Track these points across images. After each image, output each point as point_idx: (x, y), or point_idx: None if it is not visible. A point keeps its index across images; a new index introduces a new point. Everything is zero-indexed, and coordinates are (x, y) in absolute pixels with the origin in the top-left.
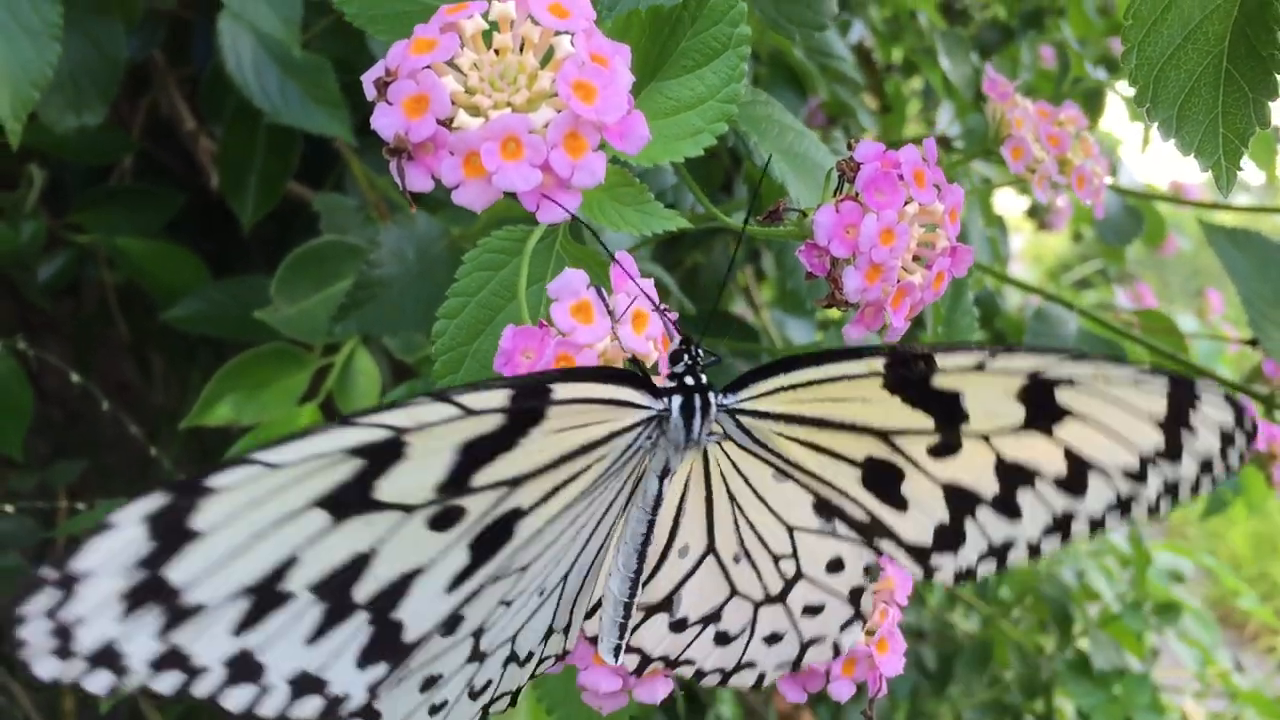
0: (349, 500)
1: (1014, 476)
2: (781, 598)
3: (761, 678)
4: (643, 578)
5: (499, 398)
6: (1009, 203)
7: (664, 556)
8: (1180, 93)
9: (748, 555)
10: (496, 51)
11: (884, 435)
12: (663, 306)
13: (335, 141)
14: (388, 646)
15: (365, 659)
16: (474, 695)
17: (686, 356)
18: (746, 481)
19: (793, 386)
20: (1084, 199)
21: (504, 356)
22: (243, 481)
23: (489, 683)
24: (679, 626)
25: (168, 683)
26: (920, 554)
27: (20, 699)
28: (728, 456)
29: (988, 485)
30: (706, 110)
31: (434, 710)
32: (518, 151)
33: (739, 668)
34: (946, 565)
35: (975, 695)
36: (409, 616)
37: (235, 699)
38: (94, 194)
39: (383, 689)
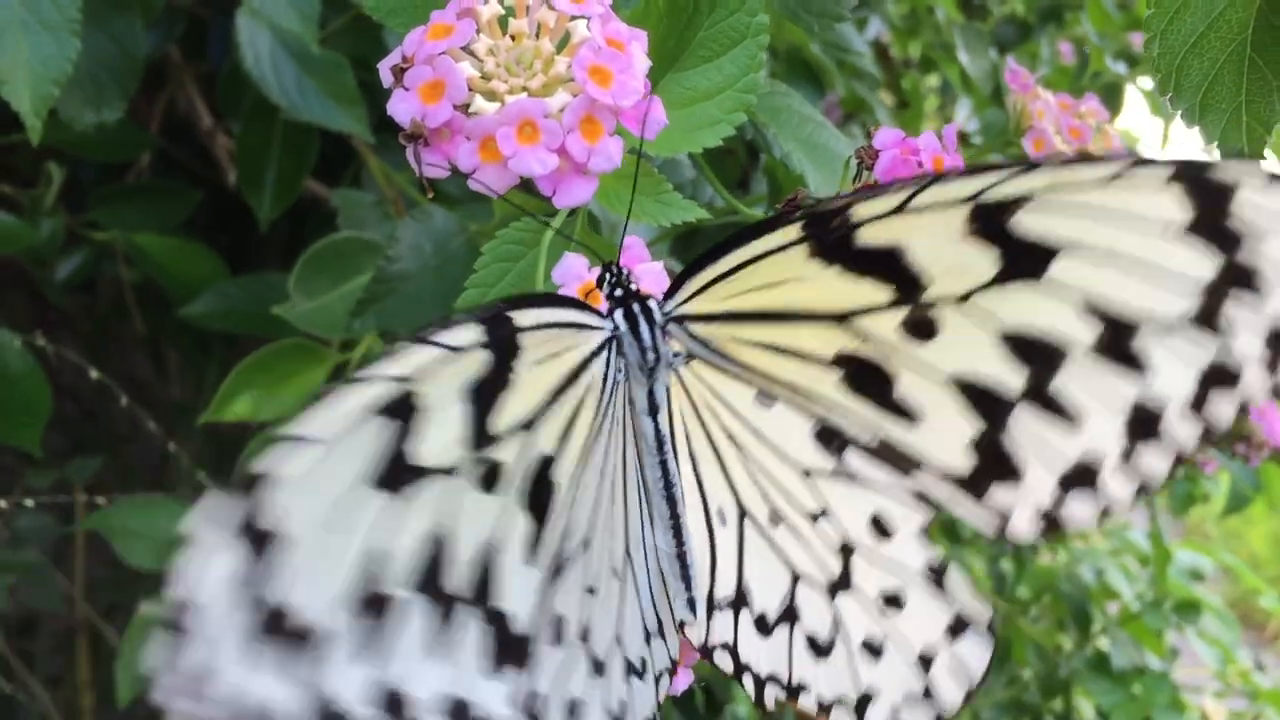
0: (394, 471)
1: (1033, 353)
2: (847, 581)
3: (894, 713)
4: (694, 536)
5: (472, 331)
6: None
7: (711, 531)
8: (1204, 81)
9: (782, 515)
10: (513, 37)
11: (841, 319)
12: None
13: (352, 139)
14: (504, 644)
15: (492, 665)
16: None
17: (608, 274)
18: (734, 412)
19: (724, 276)
20: None
21: None
22: (296, 463)
23: (623, 704)
24: (763, 626)
25: None
26: (972, 487)
27: (39, 695)
28: (702, 382)
29: (1005, 373)
30: (725, 100)
31: None
32: (534, 136)
33: (863, 701)
34: (1017, 504)
35: (993, 694)
36: (508, 602)
37: None
38: (112, 191)
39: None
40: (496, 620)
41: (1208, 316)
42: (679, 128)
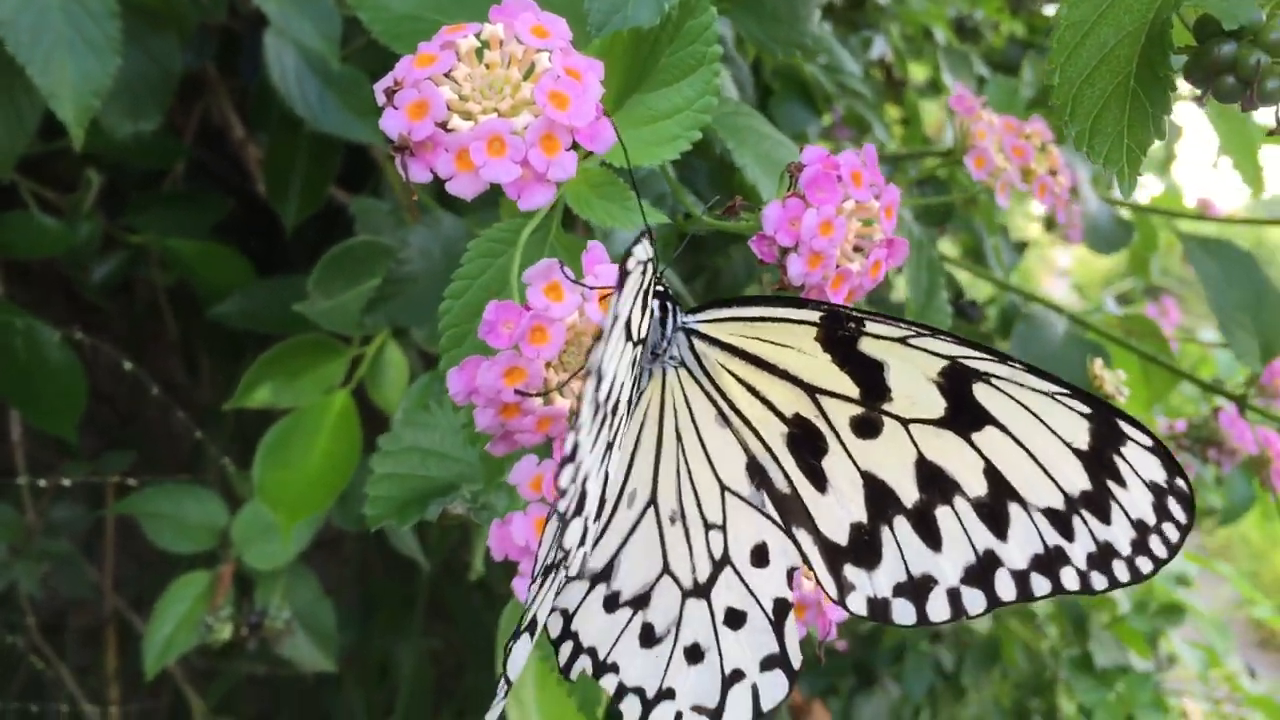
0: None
1: (934, 485)
2: (707, 590)
3: (679, 718)
4: (605, 504)
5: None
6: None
7: (616, 504)
8: (1094, 109)
9: (683, 516)
10: (487, 66)
11: (812, 392)
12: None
13: (373, 150)
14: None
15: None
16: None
17: (657, 272)
18: (692, 419)
19: (741, 319)
20: (1044, 204)
21: (487, 326)
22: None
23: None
24: (612, 603)
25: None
26: (834, 556)
27: (66, 680)
28: (681, 387)
29: (907, 487)
30: (683, 119)
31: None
32: (501, 149)
33: (660, 696)
34: (861, 585)
35: (983, 691)
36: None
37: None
38: (147, 197)
39: None
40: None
41: (1065, 520)
42: (643, 142)
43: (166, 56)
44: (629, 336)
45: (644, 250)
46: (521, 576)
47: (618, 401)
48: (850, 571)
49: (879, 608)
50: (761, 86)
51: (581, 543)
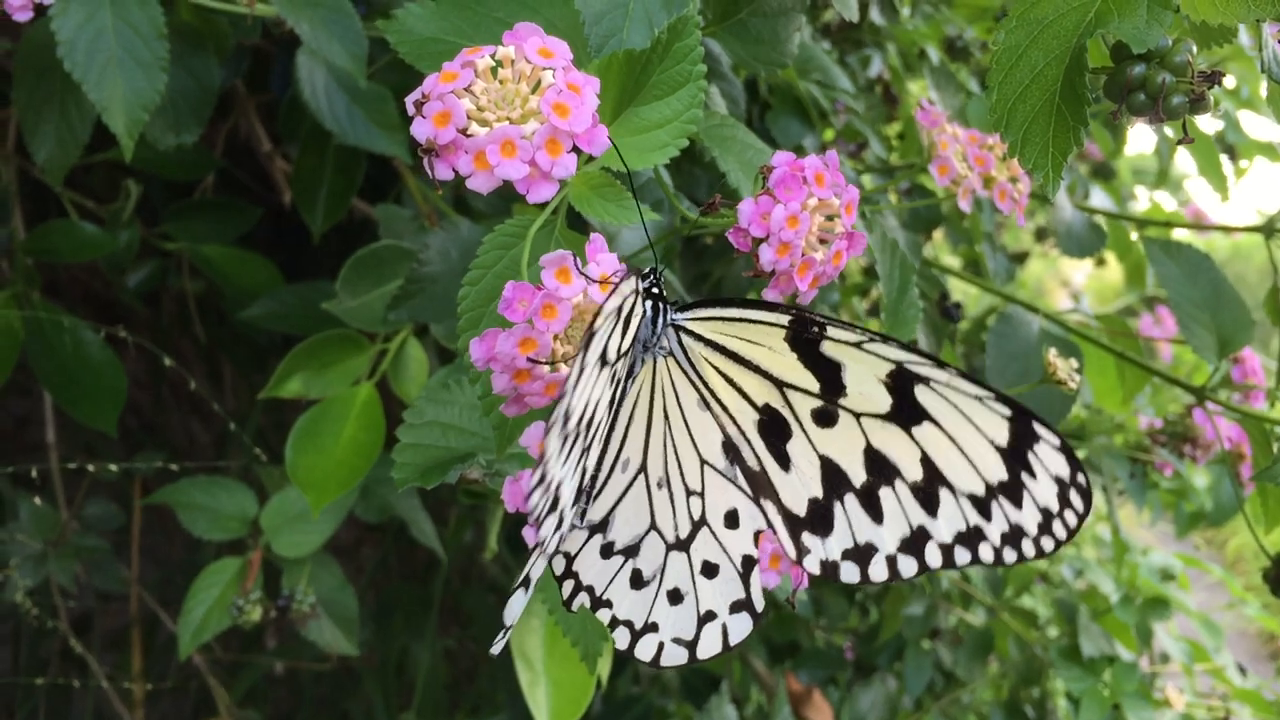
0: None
1: (878, 468)
2: (687, 545)
3: (660, 649)
4: (603, 467)
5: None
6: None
7: (612, 468)
8: (1026, 122)
9: (669, 483)
10: (500, 81)
11: (780, 385)
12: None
13: (394, 161)
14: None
15: (577, 460)
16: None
17: (653, 277)
18: (678, 402)
19: (723, 319)
20: (1004, 209)
21: (505, 302)
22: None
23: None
24: (607, 551)
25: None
26: (794, 524)
27: (96, 673)
28: (669, 374)
29: (857, 470)
30: (672, 129)
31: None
32: (513, 152)
33: (645, 629)
34: (815, 549)
35: (977, 681)
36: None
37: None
38: (181, 206)
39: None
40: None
41: (984, 504)
42: (638, 149)
43: (206, 74)
44: (604, 362)
45: (629, 285)
46: (530, 526)
47: (593, 417)
48: (807, 538)
49: (830, 568)
50: (760, 103)
51: (558, 528)
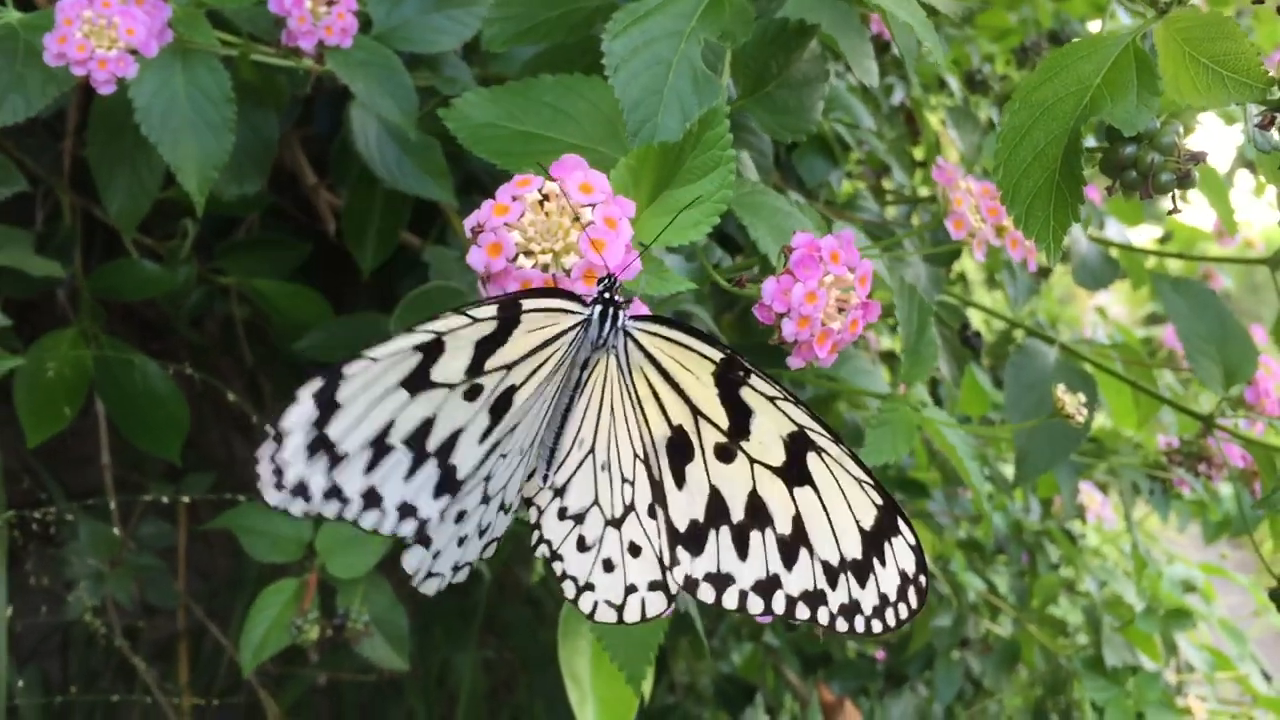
0: (417, 382)
1: (756, 513)
2: (619, 524)
3: (595, 607)
4: (563, 441)
5: (491, 309)
6: None
7: (571, 444)
8: (1029, 196)
9: (609, 468)
10: (546, 214)
11: (696, 413)
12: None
13: (439, 203)
14: (448, 483)
15: (437, 492)
16: (481, 533)
17: (609, 284)
18: (622, 399)
19: (667, 338)
20: (1015, 257)
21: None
22: (359, 370)
23: (489, 525)
24: (562, 514)
25: (331, 509)
26: (673, 536)
27: (149, 685)
28: (617, 373)
29: (738, 508)
30: (706, 209)
31: (459, 542)
32: (554, 285)
33: (585, 587)
34: (684, 563)
35: (1005, 691)
36: (459, 461)
37: (367, 521)
38: (234, 243)
39: (434, 522)
40: (448, 469)
41: (834, 574)
42: (673, 228)
43: (266, 128)
44: (470, 398)
45: (452, 321)
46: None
47: (428, 430)
48: (680, 552)
49: (691, 584)
50: (785, 143)
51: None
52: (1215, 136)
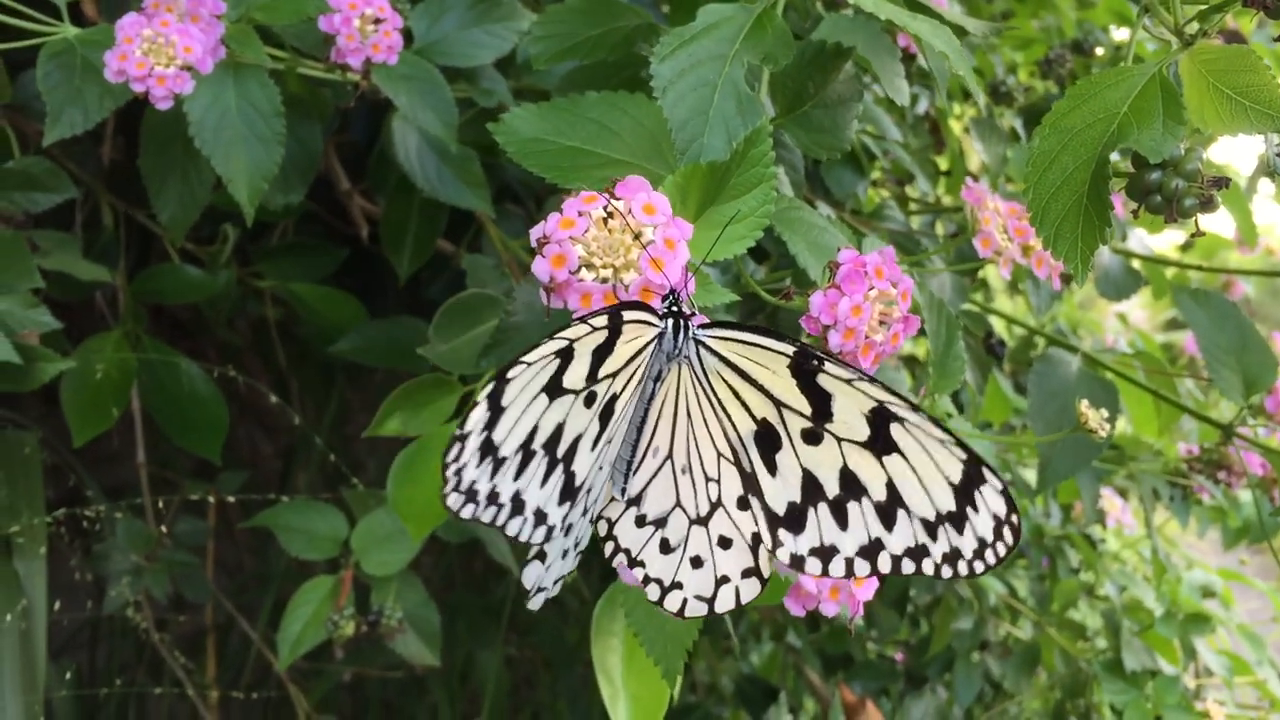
0: (553, 387)
1: (849, 486)
2: (706, 521)
3: (685, 604)
4: (637, 452)
5: (603, 319)
6: None
7: (645, 454)
8: (1058, 219)
9: (690, 470)
10: (609, 231)
11: (778, 404)
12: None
13: (476, 212)
14: (569, 490)
15: (561, 499)
16: (576, 546)
17: (674, 299)
18: (699, 404)
19: (739, 341)
20: (1041, 275)
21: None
22: (517, 374)
23: (583, 538)
24: (640, 521)
25: (488, 515)
26: (773, 521)
27: (181, 679)
28: (691, 380)
29: (832, 484)
30: (749, 224)
31: (563, 554)
32: (613, 298)
33: (673, 585)
34: (788, 543)
35: (1025, 694)
36: (578, 469)
37: (512, 527)
38: (272, 248)
39: (557, 529)
40: (569, 476)
41: (933, 528)
42: (719, 241)
43: (311, 140)
44: (588, 404)
45: (579, 330)
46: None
47: (559, 435)
48: (782, 533)
49: (797, 561)
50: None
51: (555, 538)
52: (1237, 142)
